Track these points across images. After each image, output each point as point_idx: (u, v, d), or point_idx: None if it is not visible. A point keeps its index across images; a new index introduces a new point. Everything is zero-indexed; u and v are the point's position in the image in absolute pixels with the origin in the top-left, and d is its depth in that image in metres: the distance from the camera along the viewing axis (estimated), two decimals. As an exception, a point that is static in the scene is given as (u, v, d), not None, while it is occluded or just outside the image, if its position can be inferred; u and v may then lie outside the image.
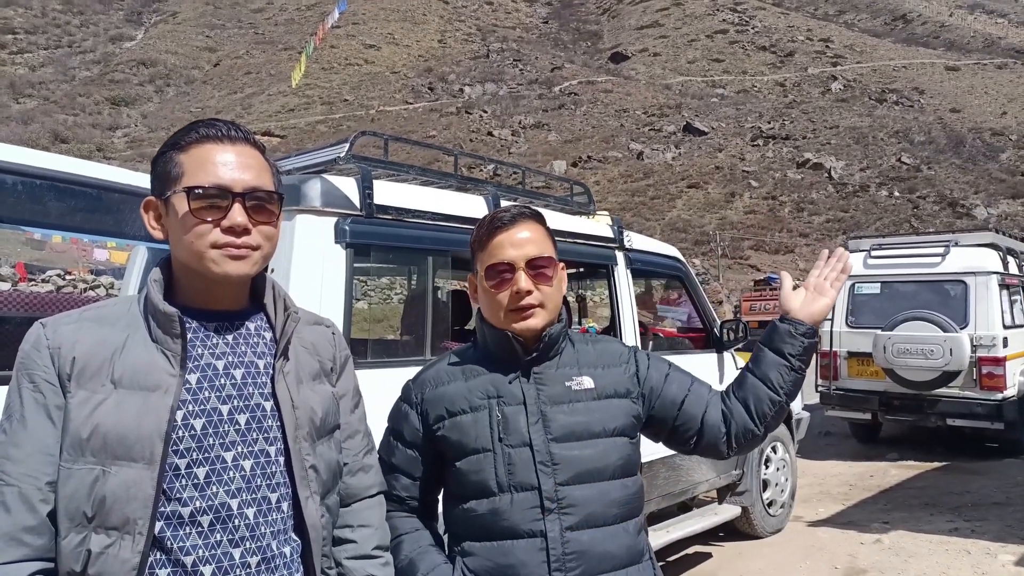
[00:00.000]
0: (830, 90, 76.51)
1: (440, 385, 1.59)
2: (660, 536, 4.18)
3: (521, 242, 1.53)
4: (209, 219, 1.18)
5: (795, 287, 1.66)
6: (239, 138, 1.24)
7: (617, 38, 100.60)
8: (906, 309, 7.61)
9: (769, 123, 66.82)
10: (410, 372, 1.69)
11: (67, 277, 23.64)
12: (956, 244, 7.87)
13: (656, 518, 4.41)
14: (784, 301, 1.64)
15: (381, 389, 1.87)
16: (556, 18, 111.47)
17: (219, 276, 1.20)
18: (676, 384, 1.64)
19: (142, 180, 2.59)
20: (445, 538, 1.63)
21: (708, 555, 4.98)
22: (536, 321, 1.52)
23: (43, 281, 22.43)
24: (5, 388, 1.21)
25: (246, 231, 1.20)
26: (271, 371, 1.26)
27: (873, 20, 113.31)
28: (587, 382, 1.56)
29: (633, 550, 1.54)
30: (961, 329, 7.32)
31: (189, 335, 1.20)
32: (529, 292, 1.51)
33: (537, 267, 1.53)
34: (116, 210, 2.59)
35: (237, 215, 1.19)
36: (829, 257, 1.68)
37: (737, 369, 4.82)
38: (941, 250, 7.81)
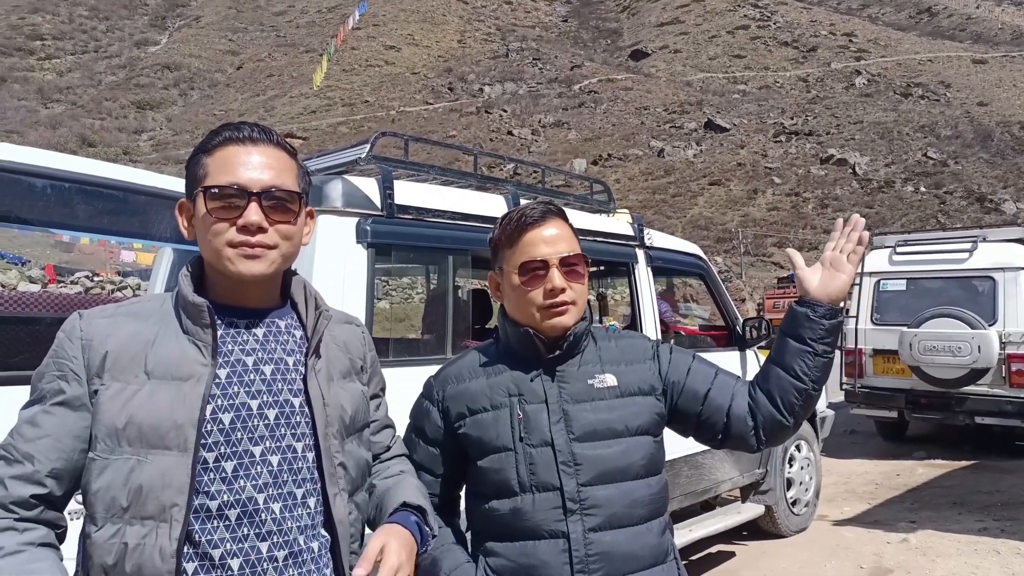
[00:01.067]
0: (854, 85, 75.53)
1: (461, 382, 1.58)
2: (683, 535, 4.16)
3: (553, 239, 1.52)
4: (225, 218, 1.21)
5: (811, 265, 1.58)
6: (262, 139, 1.26)
7: (637, 35, 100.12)
8: (933, 306, 7.50)
9: (792, 119, 66.14)
10: (431, 371, 1.70)
11: (95, 279, 24.04)
12: (984, 240, 7.73)
13: (679, 517, 4.40)
14: (800, 282, 1.55)
15: (403, 387, 1.89)
16: (575, 16, 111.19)
17: (234, 275, 1.23)
18: (700, 377, 1.60)
19: (167, 183, 2.64)
20: (468, 536, 1.63)
21: (731, 554, 4.95)
22: (568, 319, 1.51)
23: (72, 283, 22.83)
24: None
25: (261, 230, 1.22)
26: (301, 368, 1.28)
27: (897, 13, 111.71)
28: (610, 380, 1.54)
29: (657, 550, 1.52)
30: (990, 326, 7.20)
31: (220, 330, 1.23)
32: (563, 290, 1.50)
33: (569, 264, 1.52)
34: (142, 212, 2.64)
35: (252, 214, 1.21)
36: (844, 226, 1.56)
37: (760, 367, 4.79)
38: (968, 246, 7.69)
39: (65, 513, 1.20)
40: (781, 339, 1.55)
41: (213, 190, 1.21)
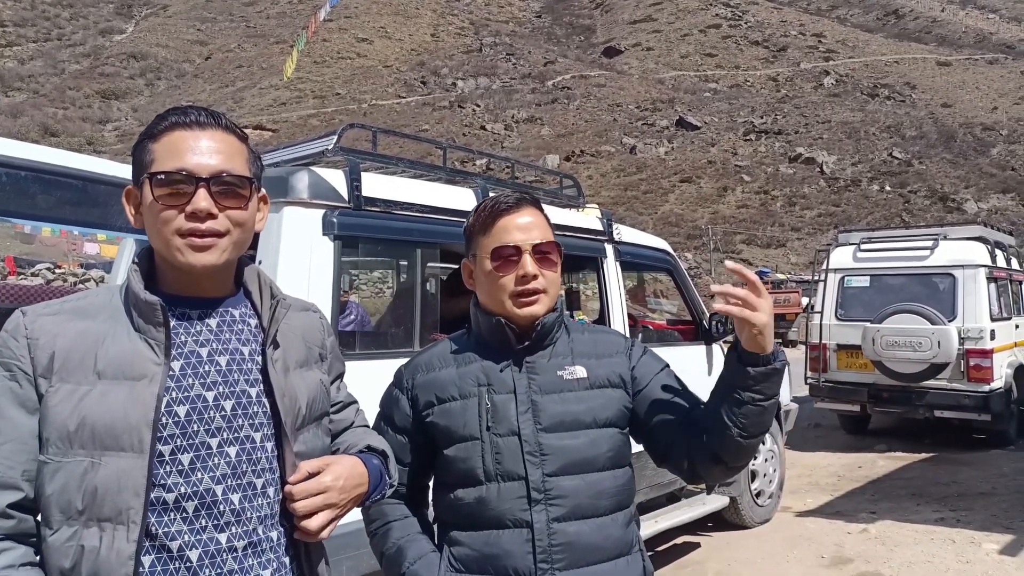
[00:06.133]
0: (822, 85, 76.58)
1: (432, 371, 1.58)
2: (648, 526, 4.21)
3: (526, 226, 1.53)
4: (173, 205, 1.18)
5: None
6: (209, 124, 1.23)
7: (610, 32, 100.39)
8: (895, 302, 7.68)
9: (761, 118, 66.87)
10: (399, 363, 1.70)
11: (57, 271, 23.52)
12: (945, 238, 7.93)
13: (644, 508, 4.44)
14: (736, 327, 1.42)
15: (369, 380, 1.89)
16: (549, 12, 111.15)
17: (184, 266, 1.20)
18: (661, 388, 1.57)
19: (129, 172, 2.60)
20: (435, 526, 1.63)
21: (696, 545, 5.02)
22: (539, 308, 1.52)
23: (32, 275, 22.31)
24: None
25: (211, 216, 1.19)
26: (257, 358, 1.26)
27: (865, 15, 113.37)
28: (580, 371, 1.54)
29: (622, 542, 1.53)
30: (949, 322, 7.38)
31: (172, 322, 1.20)
32: (535, 276, 1.50)
33: (542, 252, 1.53)
34: (106, 203, 2.59)
35: (200, 200, 1.18)
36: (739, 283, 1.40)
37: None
38: (930, 244, 7.88)
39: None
40: (717, 382, 1.47)
41: (159, 176, 1.18)
